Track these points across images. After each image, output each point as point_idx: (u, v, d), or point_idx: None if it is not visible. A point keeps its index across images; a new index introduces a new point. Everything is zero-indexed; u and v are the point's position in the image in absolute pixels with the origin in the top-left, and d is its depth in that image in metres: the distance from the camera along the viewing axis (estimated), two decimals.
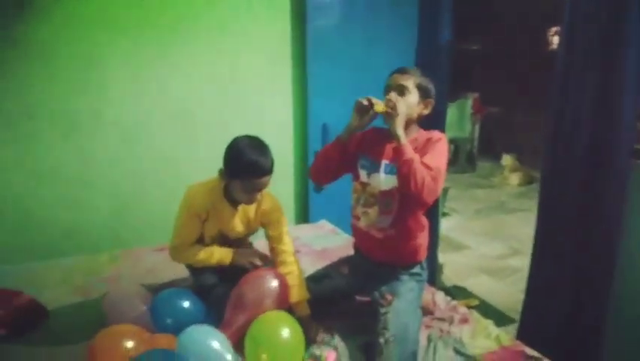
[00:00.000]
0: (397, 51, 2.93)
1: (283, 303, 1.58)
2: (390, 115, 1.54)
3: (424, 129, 1.71)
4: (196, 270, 1.81)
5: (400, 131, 1.53)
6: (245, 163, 1.54)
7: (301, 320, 1.57)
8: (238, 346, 1.46)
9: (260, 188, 1.61)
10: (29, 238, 2.57)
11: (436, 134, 1.63)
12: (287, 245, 1.76)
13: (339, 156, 1.70)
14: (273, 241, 1.76)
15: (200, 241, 1.76)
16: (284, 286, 1.61)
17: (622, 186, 1.82)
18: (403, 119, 1.55)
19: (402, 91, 1.60)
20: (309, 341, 1.54)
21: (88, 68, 2.51)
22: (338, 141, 1.69)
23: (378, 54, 2.95)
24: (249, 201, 1.66)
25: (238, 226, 1.75)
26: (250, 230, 1.81)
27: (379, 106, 1.56)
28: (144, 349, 1.35)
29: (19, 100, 2.42)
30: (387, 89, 1.63)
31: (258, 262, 1.67)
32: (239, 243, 1.84)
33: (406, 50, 2.92)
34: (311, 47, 2.91)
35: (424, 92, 1.63)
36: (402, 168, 1.50)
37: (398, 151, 1.52)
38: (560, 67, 1.99)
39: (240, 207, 1.73)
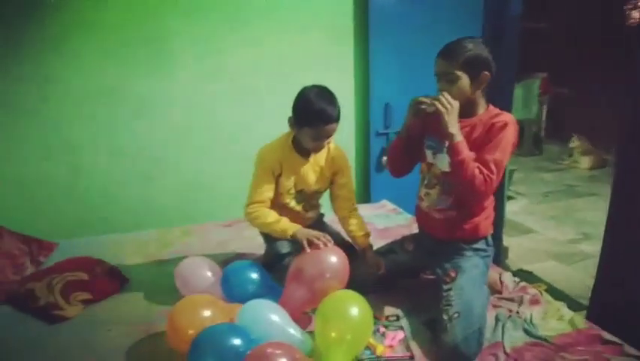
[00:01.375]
0: (462, 27, 2.82)
1: (343, 278, 1.58)
2: (440, 113, 1.48)
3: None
4: (271, 238, 1.87)
5: (452, 129, 1.47)
6: (314, 111, 1.62)
7: (365, 251, 1.78)
8: (299, 321, 1.49)
9: (328, 135, 1.67)
10: (109, 211, 2.75)
11: (502, 117, 1.53)
12: (352, 192, 1.91)
13: (405, 150, 1.72)
14: (340, 188, 1.88)
15: (279, 206, 1.81)
16: (344, 260, 1.60)
17: None
18: (455, 115, 1.49)
19: (450, 79, 1.51)
20: (374, 268, 1.71)
21: (156, 50, 2.63)
22: (399, 139, 1.71)
23: (442, 31, 2.81)
24: (317, 149, 1.74)
25: (311, 176, 1.82)
26: (323, 181, 1.86)
27: (429, 106, 1.51)
28: (220, 318, 1.41)
29: (94, 81, 2.57)
30: (436, 77, 1.56)
31: (318, 242, 1.60)
32: (315, 198, 1.92)
33: (471, 25, 2.82)
34: (373, 24, 2.87)
35: (474, 68, 1.50)
36: (455, 168, 1.49)
37: (451, 150, 1.49)
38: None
39: (312, 158, 1.80)
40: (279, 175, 1.78)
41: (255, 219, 1.76)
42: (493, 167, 1.45)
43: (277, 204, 1.82)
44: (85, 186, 2.69)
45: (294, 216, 1.80)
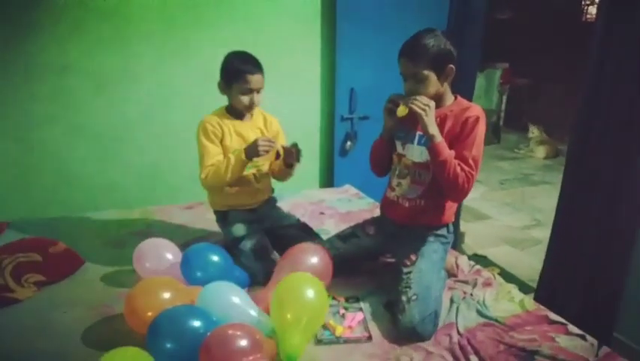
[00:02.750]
0: (429, 14, 2.86)
1: (323, 279, 1.59)
2: (417, 115, 1.50)
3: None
4: (226, 222, 1.88)
5: (432, 130, 1.50)
6: (236, 65, 1.75)
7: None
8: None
9: (255, 87, 1.76)
10: (65, 191, 2.66)
11: (474, 111, 1.56)
12: None
13: (387, 151, 1.74)
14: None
15: None
16: (324, 261, 1.62)
17: None
18: (432, 115, 1.51)
19: (418, 79, 1.53)
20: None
21: (119, 25, 2.53)
22: (381, 140, 1.73)
23: (409, 17, 2.87)
24: (250, 106, 1.79)
25: (252, 136, 1.84)
26: None
27: (401, 111, 1.53)
28: (180, 300, 1.40)
29: (54, 55, 2.45)
30: (403, 77, 1.58)
31: (266, 143, 1.71)
32: (259, 165, 1.92)
33: (437, 13, 2.86)
34: (341, 7, 2.85)
35: (439, 64, 1.52)
36: (437, 168, 1.52)
37: (432, 150, 1.51)
38: (596, 41, 1.93)
39: (248, 120, 1.89)
40: (222, 140, 1.81)
41: (212, 179, 1.77)
42: (472, 163, 1.51)
43: None
44: (39, 164, 2.58)
45: (246, 188, 1.87)
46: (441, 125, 1.57)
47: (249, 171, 1.87)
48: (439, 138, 1.51)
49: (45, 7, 2.38)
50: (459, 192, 1.53)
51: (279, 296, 1.41)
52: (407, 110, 1.52)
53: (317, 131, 3.14)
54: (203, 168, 1.78)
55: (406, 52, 1.53)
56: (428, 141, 1.53)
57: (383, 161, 1.78)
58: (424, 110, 1.49)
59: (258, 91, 1.79)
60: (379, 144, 1.75)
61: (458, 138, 1.55)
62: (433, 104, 1.52)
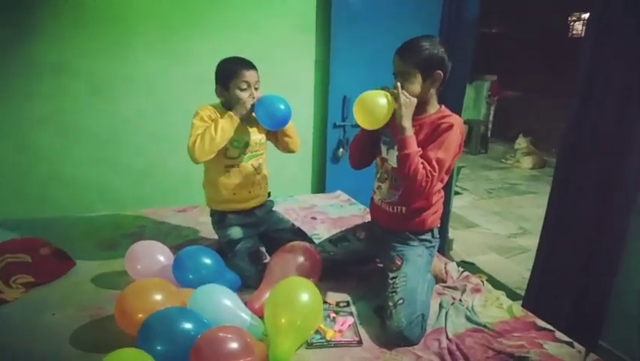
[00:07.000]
0: (422, 24, 2.90)
1: (312, 276, 1.64)
2: (398, 104, 1.54)
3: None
4: (223, 225, 1.88)
5: (405, 122, 1.54)
6: (231, 64, 1.79)
7: None
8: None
9: (252, 80, 1.77)
10: (57, 192, 2.64)
11: (449, 119, 1.59)
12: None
13: (368, 142, 1.76)
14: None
15: (228, 167, 1.86)
16: (312, 261, 1.66)
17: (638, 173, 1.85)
18: (411, 110, 1.55)
19: (404, 77, 1.57)
20: None
21: (117, 28, 2.54)
22: (363, 131, 1.74)
23: (402, 27, 2.91)
24: (251, 100, 1.77)
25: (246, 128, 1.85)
26: (260, 126, 1.89)
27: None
28: (172, 302, 1.40)
29: (49, 55, 2.45)
30: (394, 76, 1.62)
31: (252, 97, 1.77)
32: (257, 150, 1.93)
33: (430, 23, 2.91)
34: (335, 17, 2.89)
35: (428, 67, 1.56)
36: (400, 161, 1.55)
37: (399, 143, 1.55)
38: (586, 54, 1.97)
39: None
40: None
41: (200, 142, 1.69)
42: (435, 164, 1.52)
43: (225, 165, 1.84)
44: (32, 163, 2.57)
45: (245, 180, 1.88)
46: (418, 132, 1.60)
47: (248, 162, 1.89)
48: (409, 133, 1.53)
49: (44, 8, 2.37)
50: (416, 189, 1.53)
51: (275, 300, 1.42)
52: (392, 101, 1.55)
53: (310, 138, 3.17)
54: (192, 137, 1.71)
55: (400, 49, 1.59)
56: (400, 134, 1.55)
57: (360, 152, 1.79)
58: (404, 101, 1.53)
59: (256, 87, 1.80)
60: (361, 135, 1.77)
61: (429, 142, 1.57)
62: (414, 100, 1.55)
